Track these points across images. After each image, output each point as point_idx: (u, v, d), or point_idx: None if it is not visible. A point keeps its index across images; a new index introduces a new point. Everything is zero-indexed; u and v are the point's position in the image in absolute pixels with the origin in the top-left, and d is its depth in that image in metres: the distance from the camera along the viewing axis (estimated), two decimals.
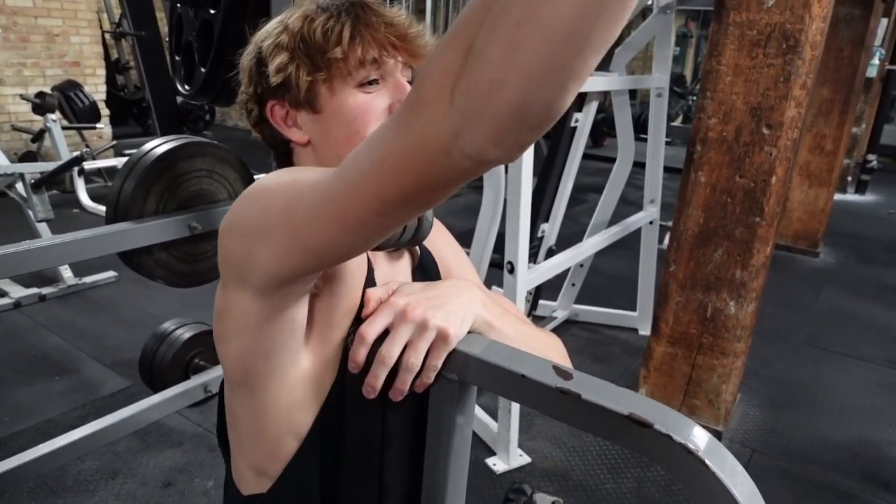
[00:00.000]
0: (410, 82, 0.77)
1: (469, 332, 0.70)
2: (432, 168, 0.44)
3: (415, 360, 0.66)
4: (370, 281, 0.75)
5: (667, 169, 3.29)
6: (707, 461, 0.56)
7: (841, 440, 2.59)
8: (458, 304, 0.69)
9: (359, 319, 0.70)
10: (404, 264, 0.85)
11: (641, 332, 3.41)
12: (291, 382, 0.70)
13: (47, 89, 5.57)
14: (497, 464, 2.30)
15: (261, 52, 0.74)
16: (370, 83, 0.73)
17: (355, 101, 0.72)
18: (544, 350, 0.76)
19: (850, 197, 7.13)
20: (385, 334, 0.67)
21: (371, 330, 0.67)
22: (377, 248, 0.76)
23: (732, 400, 2.61)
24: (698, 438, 0.58)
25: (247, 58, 0.77)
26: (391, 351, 0.66)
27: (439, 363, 0.67)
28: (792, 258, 4.96)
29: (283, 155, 0.80)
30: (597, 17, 0.34)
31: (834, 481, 2.33)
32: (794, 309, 3.96)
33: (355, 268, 0.73)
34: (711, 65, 2.25)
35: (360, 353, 0.67)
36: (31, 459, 1.54)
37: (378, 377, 0.66)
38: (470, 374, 0.70)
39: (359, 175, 0.50)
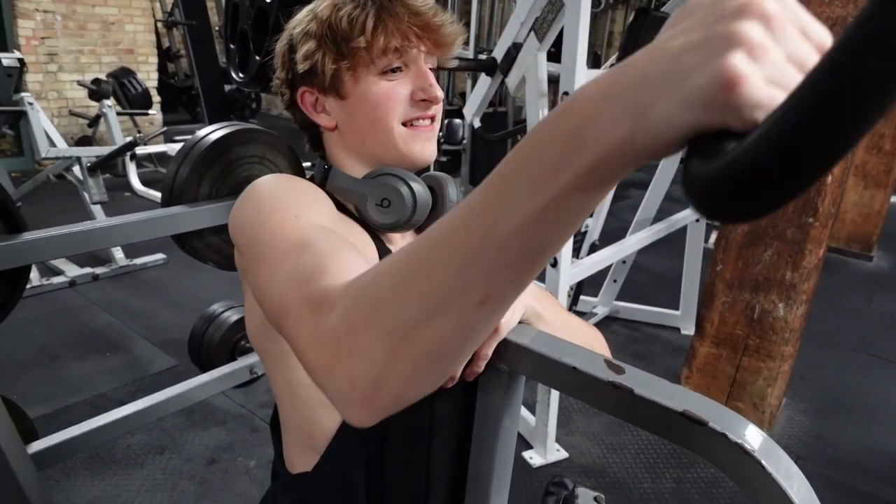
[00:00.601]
0: (434, 70, 0.79)
1: (519, 322, 0.70)
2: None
3: None
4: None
5: None
6: (763, 461, 0.55)
7: (891, 450, 2.50)
8: None
9: None
10: None
11: (684, 332, 3.35)
12: None
13: (103, 76, 5.75)
14: (533, 457, 2.30)
15: (292, 38, 0.77)
16: (393, 71, 0.74)
17: (378, 89, 0.74)
18: (589, 343, 0.76)
19: None
20: None
21: None
22: (388, 230, 0.78)
23: (777, 404, 2.55)
24: (753, 438, 0.57)
25: (280, 44, 0.80)
26: None
27: (489, 352, 0.68)
28: (843, 261, 4.80)
29: (315, 138, 0.83)
30: (464, 339, 0.39)
31: (883, 493, 2.26)
32: (845, 313, 3.83)
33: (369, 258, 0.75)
34: None
35: None
36: (84, 432, 1.59)
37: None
38: (520, 364, 0.70)
39: (287, 319, 0.51)
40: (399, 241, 0.82)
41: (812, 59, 0.30)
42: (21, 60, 3.70)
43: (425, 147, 0.78)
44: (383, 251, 0.77)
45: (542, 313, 0.73)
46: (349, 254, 0.54)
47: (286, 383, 0.75)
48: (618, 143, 0.32)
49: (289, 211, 0.63)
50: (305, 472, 0.78)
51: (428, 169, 0.85)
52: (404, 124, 0.76)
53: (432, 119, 0.78)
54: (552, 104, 3.35)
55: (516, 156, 0.36)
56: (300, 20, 0.77)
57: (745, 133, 0.27)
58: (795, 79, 0.28)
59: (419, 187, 0.75)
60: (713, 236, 4.56)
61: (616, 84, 0.33)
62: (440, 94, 0.77)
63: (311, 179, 0.82)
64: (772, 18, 0.29)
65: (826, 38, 0.31)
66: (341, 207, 0.78)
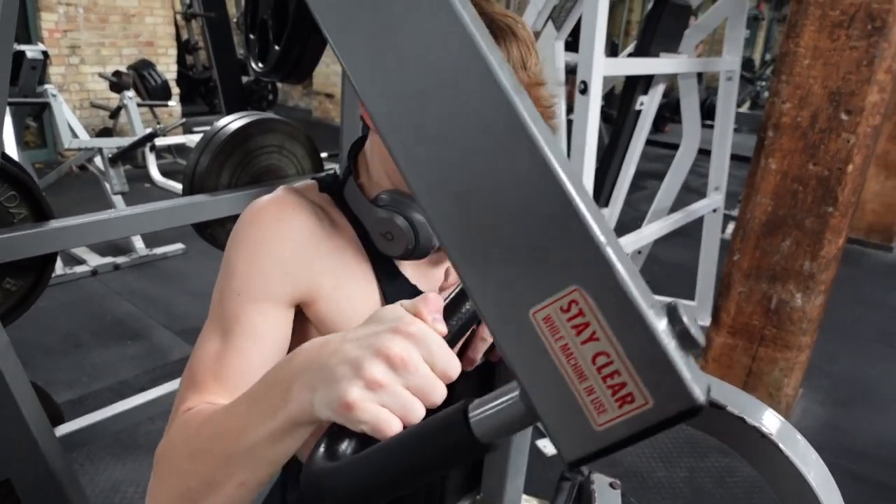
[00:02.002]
0: None
1: None
2: None
3: None
4: (397, 289, 0.74)
5: (731, 157, 3.19)
6: (781, 444, 0.56)
7: None
8: None
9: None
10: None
11: (700, 322, 3.34)
12: None
13: (123, 68, 5.80)
14: (547, 446, 2.31)
15: None
16: None
17: None
18: None
19: None
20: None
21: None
22: (400, 258, 0.74)
23: (794, 395, 2.54)
24: (771, 422, 0.58)
25: None
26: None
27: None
28: (863, 252, 4.74)
29: (364, 123, 0.80)
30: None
31: None
32: (864, 305, 3.79)
33: (358, 294, 0.73)
34: (788, 47, 2.17)
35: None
36: (107, 417, 1.62)
37: (478, 351, 0.68)
38: None
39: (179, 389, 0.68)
40: (411, 267, 0.77)
41: (433, 386, 0.42)
42: (45, 53, 3.74)
43: None
44: (388, 277, 0.75)
45: None
46: (244, 364, 0.65)
47: None
48: (304, 406, 0.45)
49: (236, 283, 0.69)
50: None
51: None
52: None
53: None
54: (569, 94, 3.34)
55: (260, 385, 0.51)
56: None
57: (363, 437, 0.43)
58: (410, 402, 0.42)
59: (421, 218, 0.70)
60: (730, 227, 4.52)
61: (313, 359, 0.46)
62: None
63: (331, 182, 0.78)
64: (394, 359, 0.41)
65: (451, 369, 0.43)
66: (354, 220, 0.75)
